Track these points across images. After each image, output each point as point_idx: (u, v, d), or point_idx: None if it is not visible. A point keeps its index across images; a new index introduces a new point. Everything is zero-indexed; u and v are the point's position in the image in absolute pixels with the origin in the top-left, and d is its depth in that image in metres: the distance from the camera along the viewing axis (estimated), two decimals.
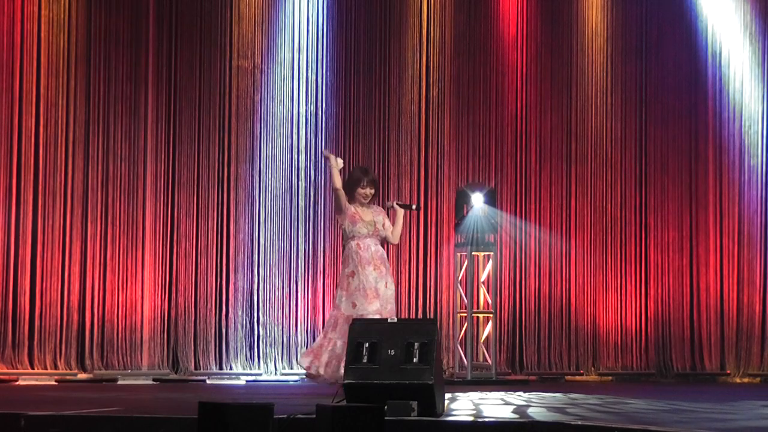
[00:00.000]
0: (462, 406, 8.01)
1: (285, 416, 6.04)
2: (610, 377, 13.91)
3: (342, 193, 9.27)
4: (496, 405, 8.23)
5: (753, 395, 10.14)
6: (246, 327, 12.74)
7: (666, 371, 14.06)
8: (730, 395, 10.25)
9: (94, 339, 12.12)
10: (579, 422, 6.09)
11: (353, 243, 9.24)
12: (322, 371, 9.00)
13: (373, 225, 9.25)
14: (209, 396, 8.78)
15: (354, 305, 9.04)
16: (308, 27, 13.36)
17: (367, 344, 6.78)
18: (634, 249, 14.24)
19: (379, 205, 9.47)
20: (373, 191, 9.33)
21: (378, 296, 9.06)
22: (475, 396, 9.42)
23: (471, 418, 6.73)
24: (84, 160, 12.28)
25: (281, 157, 13.10)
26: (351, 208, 9.28)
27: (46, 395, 9.19)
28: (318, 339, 9.33)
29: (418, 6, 13.83)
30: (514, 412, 7.47)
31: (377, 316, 8.78)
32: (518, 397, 9.35)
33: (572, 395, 9.79)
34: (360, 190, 9.30)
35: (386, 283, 9.17)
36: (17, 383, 11.32)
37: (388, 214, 9.37)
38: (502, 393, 10.05)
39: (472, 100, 13.96)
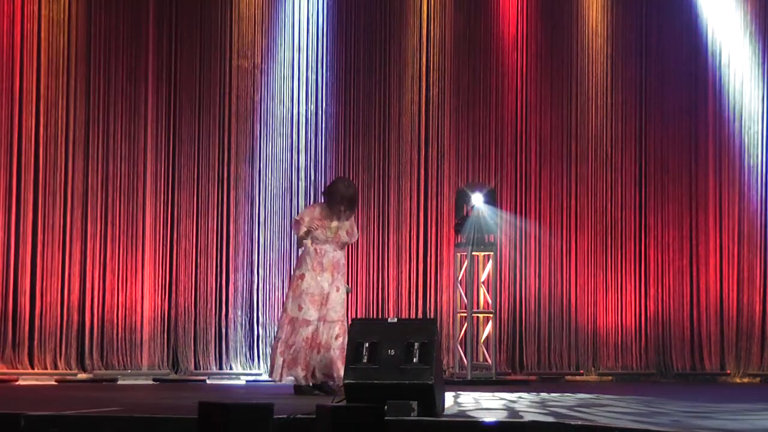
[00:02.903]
0: (461, 405, 8.01)
1: (285, 416, 6.05)
2: (610, 377, 13.90)
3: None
4: (494, 402, 8.23)
5: (752, 396, 10.13)
6: (246, 327, 12.73)
7: (666, 371, 14.05)
8: (729, 395, 10.24)
9: (94, 339, 12.12)
10: (579, 422, 6.09)
11: (310, 247, 9.36)
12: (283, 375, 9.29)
13: (334, 231, 9.36)
14: (209, 396, 8.77)
15: (300, 308, 9.24)
16: (308, 27, 13.35)
17: (367, 344, 6.78)
18: (634, 249, 14.21)
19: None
20: (348, 212, 9.46)
21: (326, 302, 9.30)
22: (474, 396, 9.41)
23: (471, 418, 6.73)
24: (84, 160, 12.27)
25: (281, 157, 13.10)
26: (317, 212, 9.42)
27: (46, 395, 9.19)
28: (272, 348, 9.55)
29: (418, 6, 13.81)
30: (510, 411, 7.47)
31: (321, 322, 9.29)
32: (517, 398, 9.34)
33: (569, 395, 9.78)
34: (338, 206, 9.42)
35: (337, 287, 9.33)
36: (17, 383, 11.31)
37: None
38: (502, 393, 10.04)
39: (472, 100, 13.95)
